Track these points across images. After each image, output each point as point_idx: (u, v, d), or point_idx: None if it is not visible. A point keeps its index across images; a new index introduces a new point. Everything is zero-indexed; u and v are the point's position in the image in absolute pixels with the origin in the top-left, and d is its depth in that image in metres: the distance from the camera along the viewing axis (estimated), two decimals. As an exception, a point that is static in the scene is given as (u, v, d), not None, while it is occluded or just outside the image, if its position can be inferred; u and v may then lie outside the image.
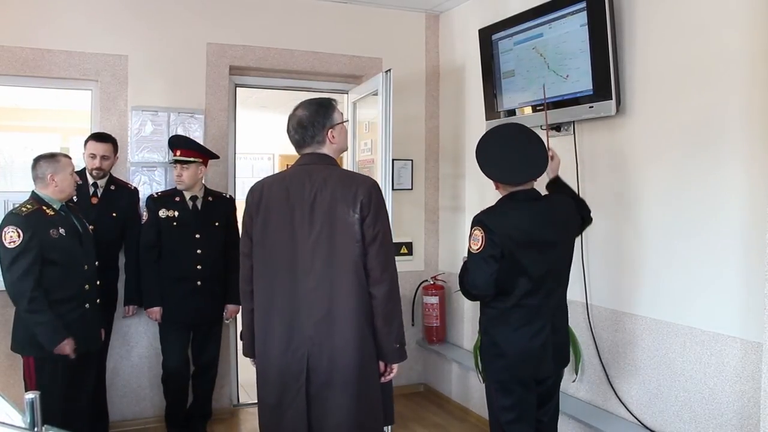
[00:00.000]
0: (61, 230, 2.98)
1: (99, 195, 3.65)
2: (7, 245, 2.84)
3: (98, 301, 3.20)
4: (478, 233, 2.49)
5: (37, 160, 3.04)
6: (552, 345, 2.59)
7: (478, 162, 2.62)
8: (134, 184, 3.93)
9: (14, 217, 2.89)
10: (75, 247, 3.05)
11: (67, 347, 2.91)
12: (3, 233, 2.85)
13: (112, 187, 3.71)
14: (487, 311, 2.64)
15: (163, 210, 3.66)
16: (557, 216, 2.63)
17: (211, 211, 3.76)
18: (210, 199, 3.79)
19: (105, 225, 3.55)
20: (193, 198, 3.73)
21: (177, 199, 3.70)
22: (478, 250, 2.50)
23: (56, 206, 3.03)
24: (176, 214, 3.67)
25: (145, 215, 3.70)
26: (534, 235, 2.53)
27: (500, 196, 2.64)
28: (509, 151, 2.60)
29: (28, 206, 2.95)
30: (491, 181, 2.67)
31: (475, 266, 2.52)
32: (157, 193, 3.76)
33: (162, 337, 3.76)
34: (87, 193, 3.59)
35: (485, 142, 2.64)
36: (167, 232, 3.65)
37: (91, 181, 3.61)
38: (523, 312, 2.55)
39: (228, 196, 3.96)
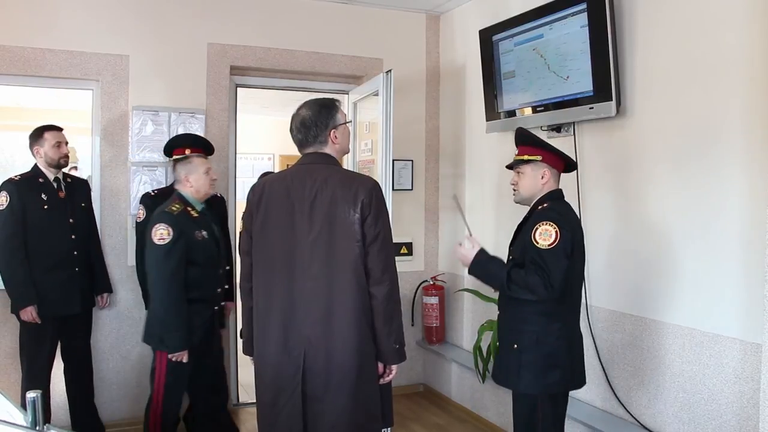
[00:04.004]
0: (204, 233, 3.07)
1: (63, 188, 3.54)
2: (156, 241, 2.91)
3: (222, 304, 3.31)
4: (550, 227, 2.34)
5: (174, 163, 3.20)
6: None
7: (548, 147, 2.56)
8: (135, 184, 3.97)
9: (165, 216, 2.97)
10: (215, 250, 3.13)
11: (184, 356, 2.99)
12: (154, 230, 2.93)
13: (69, 180, 3.61)
14: (536, 319, 2.43)
15: None
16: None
17: (211, 211, 3.74)
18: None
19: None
20: None
21: None
22: (551, 245, 2.31)
23: (198, 208, 3.13)
24: None
25: (141, 213, 3.59)
26: (580, 232, 2.52)
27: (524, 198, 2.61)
28: None
29: (177, 206, 3.03)
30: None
31: (551, 262, 2.31)
32: (154, 191, 3.69)
33: None
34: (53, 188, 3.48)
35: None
36: None
37: (51, 177, 3.46)
38: (576, 317, 2.50)
39: (220, 196, 3.92)
